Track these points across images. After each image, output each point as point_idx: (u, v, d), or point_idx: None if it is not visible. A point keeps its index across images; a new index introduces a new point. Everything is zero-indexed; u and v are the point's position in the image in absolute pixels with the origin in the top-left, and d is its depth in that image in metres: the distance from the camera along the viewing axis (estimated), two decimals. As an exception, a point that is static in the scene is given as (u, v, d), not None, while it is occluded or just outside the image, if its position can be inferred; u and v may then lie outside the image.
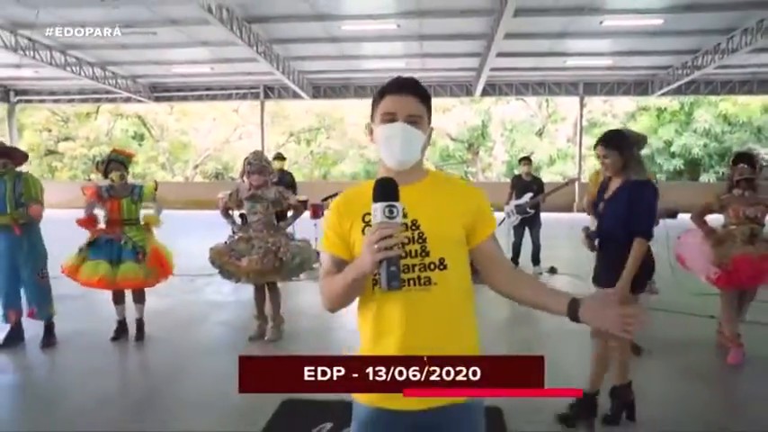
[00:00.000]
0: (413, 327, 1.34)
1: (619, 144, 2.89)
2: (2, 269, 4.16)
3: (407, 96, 1.39)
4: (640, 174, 2.89)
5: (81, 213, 4.39)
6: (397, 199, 1.25)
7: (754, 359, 3.91)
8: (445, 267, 1.36)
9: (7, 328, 4.30)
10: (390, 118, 1.38)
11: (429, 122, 1.45)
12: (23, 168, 4.37)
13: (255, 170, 4.27)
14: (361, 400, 1.42)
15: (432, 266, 1.36)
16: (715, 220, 4.21)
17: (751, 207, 3.99)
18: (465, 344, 1.40)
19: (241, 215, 4.63)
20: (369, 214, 1.34)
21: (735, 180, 4.08)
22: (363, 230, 1.38)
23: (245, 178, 4.37)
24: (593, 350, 3.10)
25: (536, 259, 7.18)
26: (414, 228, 1.36)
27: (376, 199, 1.25)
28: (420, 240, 1.36)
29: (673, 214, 6.34)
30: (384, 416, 1.39)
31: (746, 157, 4.19)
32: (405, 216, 1.28)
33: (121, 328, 4.46)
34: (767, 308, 5.30)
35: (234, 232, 4.48)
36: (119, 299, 4.44)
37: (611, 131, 3.05)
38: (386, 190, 1.26)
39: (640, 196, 2.83)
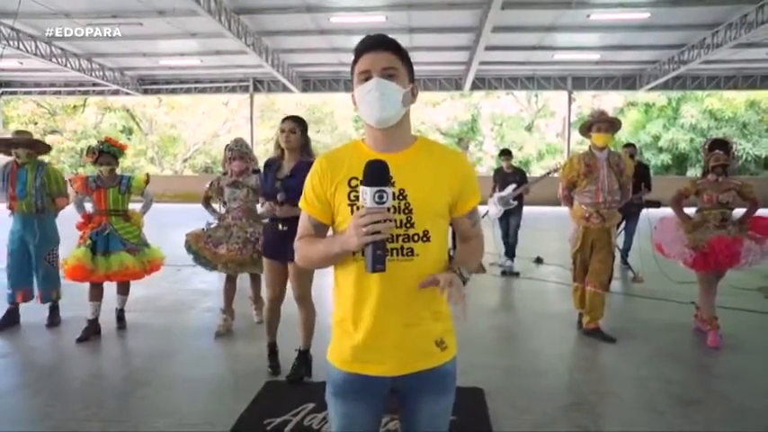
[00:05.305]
0: (391, 295, 1.36)
1: (303, 126, 3.30)
2: (16, 250, 4.40)
3: (379, 52, 1.36)
4: (312, 155, 3.32)
5: (70, 206, 4.49)
6: (387, 183, 1.23)
7: (727, 341, 4.02)
8: (428, 239, 1.37)
9: (4, 310, 4.42)
10: (366, 76, 1.36)
11: (410, 78, 1.41)
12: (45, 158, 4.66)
13: (237, 156, 4.25)
14: (337, 364, 1.44)
15: (415, 238, 1.36)
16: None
17: (724, 192, 4.08)
18: (439, 313, 1.44)
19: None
20: (355, 179, 1.35)
21: (710, 166, 4.15)
22: (349, 196, 1.37)
23: (226, 166, 4.35)
24: None
25: (511, 253, 6.91)
26: (400, 198, 1.35)
27: (366, 182, 1.23)
28: (406, 211, 1.35)
29: (656, 204, 6.49)
30: (359, 380, 1.41)
31: (722, 144, 4.26)
32: (393, 196, 1.29)
33: (92, 327, 4.14)
34: (741, 293, 5.45)
35: (209, 223, 4.35)
36: (96, 295, 4.16)
37: (299, 117, 3.40)
38: (376, 174, 1.23)
39: None
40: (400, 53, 1.39)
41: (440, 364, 1.43)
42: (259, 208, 3.56)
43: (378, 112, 1.35)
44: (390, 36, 1.43)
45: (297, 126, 3.26)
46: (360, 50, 1.39)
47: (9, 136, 4.58)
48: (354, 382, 1.42)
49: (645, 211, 6.40)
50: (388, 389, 1.44)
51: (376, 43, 1.38)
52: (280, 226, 3.22)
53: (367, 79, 1.36)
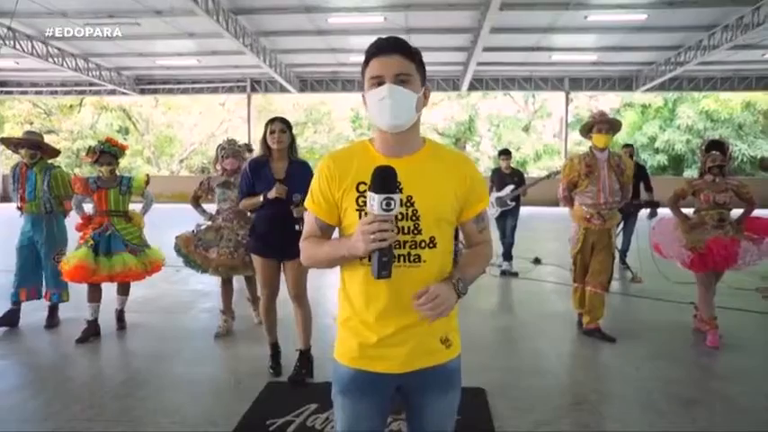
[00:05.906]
0: (398, 299, 1.36)
1: (290, 126, 3.38)
2: (24, 248, 4.47)
3: (392, 56, 1.33)
4: (298, 153, 3.44)
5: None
6: (395, 190, 1.23)
7: (727, 342, 4.05)
8: (435, 246, 1.37)
9: (5, 309, 4.43)
10: (378, 81, 1.34)
11: (422, 80, 1.39)
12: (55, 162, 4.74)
13: (230, 153, 4.22)
14: (343, 361, 1.45)
15: (422, 244, 1.36)
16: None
17: (721, 193, 4.10)
18: (445, 317, 1.41)
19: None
20: (363, 184, 1.33)
21: (707, 167, 4.17)
22: (357, 201, 1.36)
23: (218, 166, 4.32)
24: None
25: (508, 255, 6.80)
26: (408, 204, 1.34)
27: (373, 189, 1.23)
28: (413, 218, 1.35)
29: (656, 205, 6.52)
30: (365, 377, 1.42)
31: (718, 145, 4.29)
32: (400, 203, 1.28)
33: (92, 328, 4.12)
34: (740, 294, 5.48)
35: (199, 225, 4.31)
36: (95, 296, 4.15)
37: (285, 118, 3.47)
38: (384, 181, 1.23)
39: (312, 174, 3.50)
40: (413, 57, 1.36)
41: (445, 362, 1.44)
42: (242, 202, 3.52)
43: (391, 119, 1.34)
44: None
45: (285, 126, 3.34)
46: (372, 53, 1.36)
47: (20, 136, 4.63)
48: (361, 379, 1.42)
49: (644, 213, 6.43)
50: (393, 387, 1.44)
51: (389, 47, 1.35)
52: (297, 226, 3.19)
53: (379, 84, 1.34)
